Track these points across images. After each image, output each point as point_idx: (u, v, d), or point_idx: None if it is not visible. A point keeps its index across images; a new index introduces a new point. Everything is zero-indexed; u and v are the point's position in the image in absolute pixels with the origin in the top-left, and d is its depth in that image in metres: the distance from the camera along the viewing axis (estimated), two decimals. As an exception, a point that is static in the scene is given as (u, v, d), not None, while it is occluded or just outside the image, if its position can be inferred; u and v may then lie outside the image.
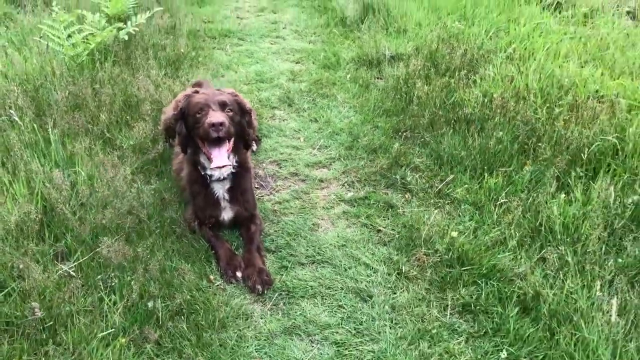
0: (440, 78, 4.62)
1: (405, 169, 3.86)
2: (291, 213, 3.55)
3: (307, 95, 4.91)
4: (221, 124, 2.86)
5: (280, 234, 3.36)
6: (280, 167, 4.01)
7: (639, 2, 6.34)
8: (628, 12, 6.04)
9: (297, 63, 5.59)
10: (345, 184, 3.82)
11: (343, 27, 6.23)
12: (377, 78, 5.14)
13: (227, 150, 2.98)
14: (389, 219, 3.48)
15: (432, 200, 3.57)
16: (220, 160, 2.95)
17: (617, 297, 2.72)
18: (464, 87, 4.50)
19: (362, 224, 3.45)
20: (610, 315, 2.61)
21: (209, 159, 3.00)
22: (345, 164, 4.01)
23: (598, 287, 2.75)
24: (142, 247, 2.98)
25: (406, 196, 3.66)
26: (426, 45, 5.14)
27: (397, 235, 3.32)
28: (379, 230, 3.39)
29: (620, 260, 2.95)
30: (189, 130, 3.07)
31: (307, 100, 4.84)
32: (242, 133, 3.15)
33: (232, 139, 3.04)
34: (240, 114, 3.12)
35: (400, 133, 4.25)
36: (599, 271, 2.90)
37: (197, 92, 3.14)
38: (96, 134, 3.88)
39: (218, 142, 2.95)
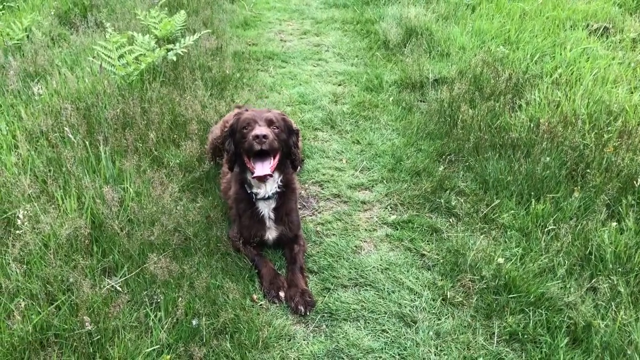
0: (484, 102, 4.58)
1: (449, 193, 3.82)
2: (333, 234, 3.54)
3: (349, 118, 4.93)
4: (264, 136, 2.90)
5: (323, 256, 3.35)
6: (323, 188, 4.02)
7: (690, 27, 6.19)
8: (679, 37, 5.91)
9: (339, 85, 5.63)
10: (388, 207, 3.80)
11: (386, 50, 6.26)
12: (420, 101, 5.13)
13: (271, 166, 3.00)
14: (433, 243, 3.44)
15: (477, 225, 3.52)
16: (261, 170, 2.97)
17: (674, 331, 2.61)
18: (510, 112, 4.45)
19: (405, 248, 3.42)
20: (668, 350, 2.50)
21: (252, 172, 3.02)
22: (388, 186, 3.99)
23: (653, 319, 2.65)
24: (188, 264, 3.01)
25: (451, 220, 3.61)
26: (470, 69, 5.12)
27: (441, 260, 3.28)
28: (422, 255, 3.36)
29: (676, 292, 2.84)
30: (236, 147, 3.12)
31: (349, 122, 4.86)
32: (288, 152, 3.17)
33: (277, 156, 3.07)
34: (287, 132, 3.15)
35: (444, 156, 4.21)
36: (654, 303, 2.80)
37: (246, 110, 3.20)
38: (145, 152, 3.97)
39: (262, 155, 2.98)
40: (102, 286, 2.81)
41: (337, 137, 4.67)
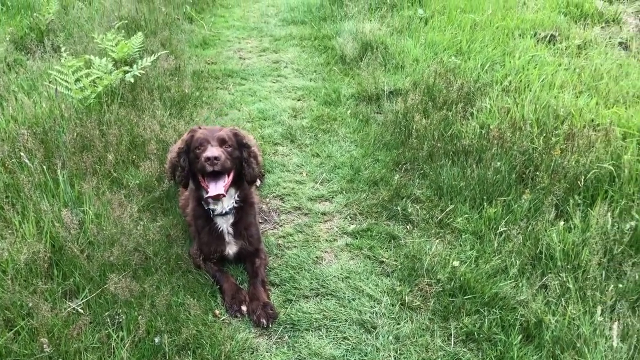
0: (438, 111, 4.72)
1: (406, 201, 3.92)
2: (295, 247, 3.60)
3: (309, 131, 5.01)
4: (216, 157, 2.95)
5: (285, 268, 3.41)
6: (284, 202, 4.08)
7: (630, 33, 6.49)
8: (620, 43, 6.18)
9: (298, 100, 5.72)
10: (348, 217, 3.89)
11: (343, 64, 6.39)
12: (377, 113, 5.25)
13: (225, 184, 3.06)
14: (391, 250, 3.53)
15: (433, 231, 3.63)
16: (215, 190, 3.01)
17: (619, 322, 2.74)
18: (462, 120, 4.60)
19: (365, 256, 3.50)
20: (612, 341, 2.63)
21: (206, 192, 3.07)
22: (347, 196, 4.08)
23: (599, 312, 2.78)
24: (149, 283, 3.03)
25: (408, 227, 3.71)
26: (423, 80, 5.27)
27: (399, 266, 3.37)
28: (381, 262, 3.44)
29: (620, 285, 2.98)
30: (191, 165, 3.16)
31: (309, 135, 4.95)
32: (241, 168, 3.22)
33: (231, 174, 3.12)
34: (240, 149, 3.20)
35: (400, 165, 4.33)
36: (600, 297, 2.93)
37: (199, 128, 3.24)
38: (103, 174, 3.98)
39: (215, 175, 3.03)
40: (62, 309, 2.81)
41: (297, 150, 4.75)
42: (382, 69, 5.93)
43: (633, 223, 3.25)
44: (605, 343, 2.68)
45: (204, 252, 3.28)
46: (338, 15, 7.92)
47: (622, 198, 3.47)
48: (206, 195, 3.05)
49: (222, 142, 3.10)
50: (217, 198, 3.04)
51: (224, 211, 3.20)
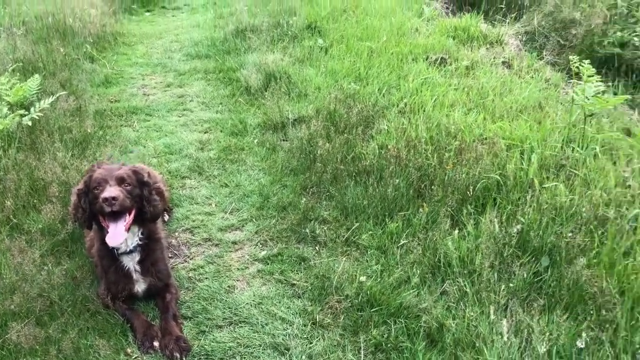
0: (340, 135, 4.92)
1: (314, 223, 4.05)
2: (206, 278, 3.63)
3: (216, 163, 5.06)
4: (114, 197, 2.95)
5: (197, 300, 3.42)
6: (194, 234, 4.10)
7: (512, 53, 7.07)
8: (503, 62, 6.71)
9: (205, 133, 5.76)
10: (259, 244, 3.96)
11: (248, 95, 6.49)
12: (283, 140, 5.38)
13: (126, 224, 3.06)
14: (301, 272, 3.64)
15: (340, 249, 3.77)
16: (115, 235, 3.01)
17: (508, 319, 2.98)
18: (362, 142, 4.82)
19: (276, 280, 3.59)
20: (503, 336, 2.85)
21: (107, 232, 3.06)
22: (257, 224, 4.16)
23: (492, 311, 3.00)
24: (54, 328, 2.96)
25: (317, 248, 3.84)
26: (325, 106, 5.47)
27: (310, 287, 3.47)
28: (293, 284, 3.54)
29: (511, 285, 3.23)
30: (90, 205, 3.13)
31: (216, 167, 5.00)
32: (142, 206, 3.21)
33: (132, 212, 3.13)
34: (140, 187, 3.20)
35: (307, 189, 4.46)
36: (494, 297, 3.16)
37: (98, 167, 3.23)
38: (2, 221, 3.84)
39: (115, 215, 3.03)
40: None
41: (205, 182, 4.78)
42: (287, 98, 6.09)
43: (519, 226, 3.54)
44: (501, 340, 2.89)
45: (111, 292, 3.24)
46: (242, 48, 8.05)
47: (509, 204, 3.77)
48: (106, 239, 3.04)
49: (120, 181, 3.10)
50: (116, 244, 3.04)
51: (128, 249, 3.19)
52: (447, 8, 10.04)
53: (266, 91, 6.35)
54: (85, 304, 3.22)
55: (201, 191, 4.64)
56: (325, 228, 3.99)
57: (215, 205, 4.44)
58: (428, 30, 7.86)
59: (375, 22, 7.93)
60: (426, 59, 6.69)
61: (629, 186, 3.77)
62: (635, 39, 6.35)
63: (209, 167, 4.99)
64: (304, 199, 4.31)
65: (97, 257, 3.34)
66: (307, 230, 3.98)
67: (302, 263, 3.71)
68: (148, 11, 12.34)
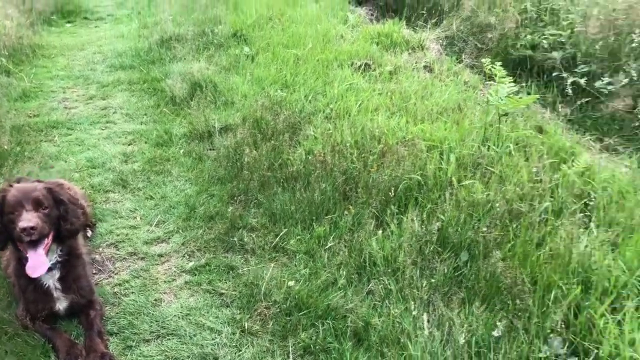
0: (267, 142, 4.94)
1: (242, 231, 4.04)
2: (132, 292, 3.55)
3: (141, 175, 4.96)
4: (32, 228, 2.85)
5: (123, 315, 3.34)
6: (118, 249, 4.00)
7: (433, 57, 7.31)
8: (425, 67, 6.94)
9: (129, 145, 5.63)
10: (186, 255, 3.91)
11: (173, 105, 6.39)
12: (210, 149, 5.34)
13: (46, 246, 2.99)
14: (230, 280, 3.62)
15: (268, 256, 3.78)
16: (35, 265, 2.94)
17: (430, 313, 3.08)
18: (289, 148, 4.85)
19: (204, 291, 3.55)
20: (424, 330, 2.94)
21: (25, 258, 2.96)
22: (184, 235, 4.10)
23: (413, 307, 3.09)
24: (-34, 355, 2.82)
25: (245, 256, 3.83)
26: (252, 114, 5.47)
27: (238, 295, 3.46)
28: (221, 294, 3.51)
29: (433, 280, 3.34)
30: (6, 228, 3.00)
31: (141, 179, 4.89)
32: (60, 225, 3.11)
33: (51, 234, 3.04)
34: (57, 206, 3.10)
35: (235, 198, 4.44)
36: (417, 293, 3.26)
37: (11, 186, 3.08)
38: None
39: (34, 243, 2.94)
40: None
41: (129, 195, 4.67)
42: (213, 107, 6.05)
43: (439, 224, 3.67)
44: (424, 334, 2.99)
45: (31, 312, 3.11)
46: (167, 58, 7.92)
47: (429, 202, 3.90)
48: (26, 270, 2.94)
49: (37, 204, 2.98)
50: (38, 275, 2.96)
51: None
52: (372, 15, 10.31)
53: (192, 100, 6.29)
54: (2, 326, 3.08)
55: (125, 205, 4.53)
56: (254, 235, 3.99)
57: (140, 218, 4.35)
58: (353, 36, 8.02)
59: (301, 29, 8.02)
60: (351, 65, 6.82)
61: (540, 180, 3.98)
62: (544, 41, 6.70)
63: (133, 179, 4.88)
64: (232, 207, 4.29)
65: (14, 277, 3.20)
66: (235, 239, 3.96)
67: (231, 272, 3.70)
68: (69, 22, 11.90)
